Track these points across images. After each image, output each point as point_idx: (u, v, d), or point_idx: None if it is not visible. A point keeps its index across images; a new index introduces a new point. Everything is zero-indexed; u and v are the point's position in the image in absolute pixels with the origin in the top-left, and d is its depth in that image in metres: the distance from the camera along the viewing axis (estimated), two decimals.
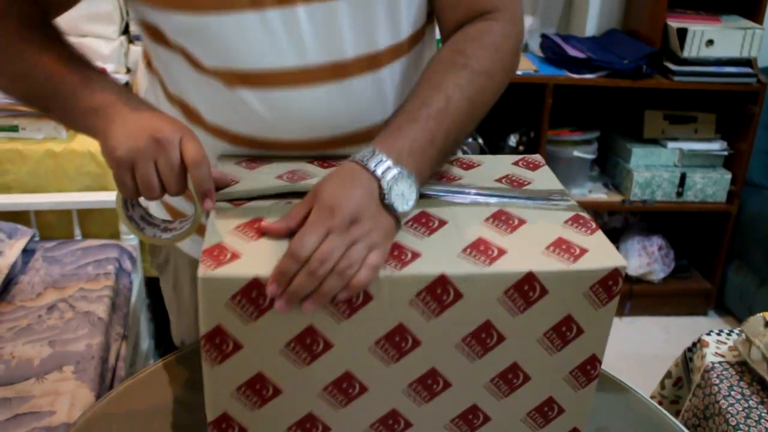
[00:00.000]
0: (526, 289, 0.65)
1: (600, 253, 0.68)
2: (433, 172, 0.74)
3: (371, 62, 0.80)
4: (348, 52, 0.78)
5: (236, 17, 0.73)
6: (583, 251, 0.68)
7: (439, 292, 0.64)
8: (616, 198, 2.42)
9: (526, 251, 0.67)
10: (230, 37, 0.74)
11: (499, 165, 0.84)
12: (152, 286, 1.89)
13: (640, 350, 2.32)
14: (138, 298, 1.75)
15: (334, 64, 0.78)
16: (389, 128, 0.72)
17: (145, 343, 1.82)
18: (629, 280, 2.50)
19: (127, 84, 2.03)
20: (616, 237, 2.60)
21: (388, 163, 0.67)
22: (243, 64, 0.76)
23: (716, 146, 2.37)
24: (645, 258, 2.48)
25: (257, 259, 0.63)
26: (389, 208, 0.66)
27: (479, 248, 0.67)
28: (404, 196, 0.67)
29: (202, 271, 0.61)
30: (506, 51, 0.80)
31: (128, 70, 2.10)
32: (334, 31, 0.76)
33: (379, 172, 0.67)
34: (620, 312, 2.50)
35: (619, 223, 2.69)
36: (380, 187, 0.66)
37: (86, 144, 1.74)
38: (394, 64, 0.82)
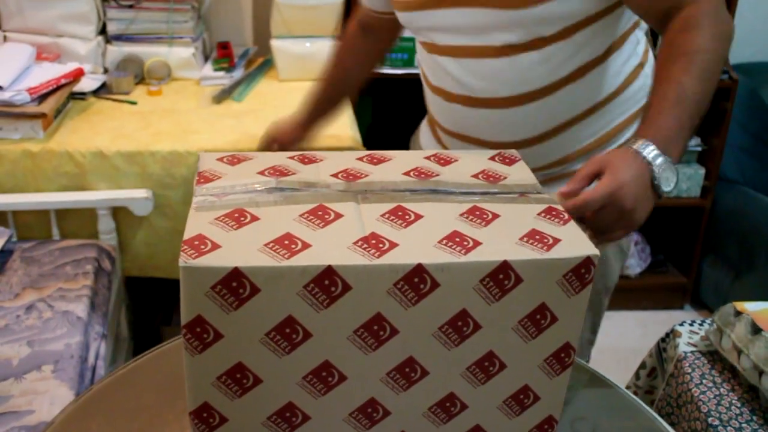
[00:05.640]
0: (501, 277, 0.67)
1: (573, 243, 0.70)
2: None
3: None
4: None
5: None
6: (557, 241, 0.70)
7: (416, 281, 0.65)
8: None
9: (501, 242, 0.69)
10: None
11: (476, 160, 0.85)
12: (131, 285, 1.89)
13: (617, 344, 2.35)
14: (117, 298, 1.75)
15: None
16: (644, 123, 0.87)
17: (126, 342, 1.81)
18: None
19: (104, 84, 2.02)
20: None
21: (656, 150, 0.83)
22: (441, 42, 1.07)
23: (690, 142, 2.41)
24: None
25: (238, 249, 0.64)
26: (656, 189, 0.83)
27: (455, 239, 0.68)
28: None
29: (183, 260, 0.62)
30: (707, 24, 0.90)
31: (105, 71, 2.09)
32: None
33: (649, 158, 0.82)
34: None
35: None
36: (651, 171, 0.82)
37: (64, 144, 1.72)
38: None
